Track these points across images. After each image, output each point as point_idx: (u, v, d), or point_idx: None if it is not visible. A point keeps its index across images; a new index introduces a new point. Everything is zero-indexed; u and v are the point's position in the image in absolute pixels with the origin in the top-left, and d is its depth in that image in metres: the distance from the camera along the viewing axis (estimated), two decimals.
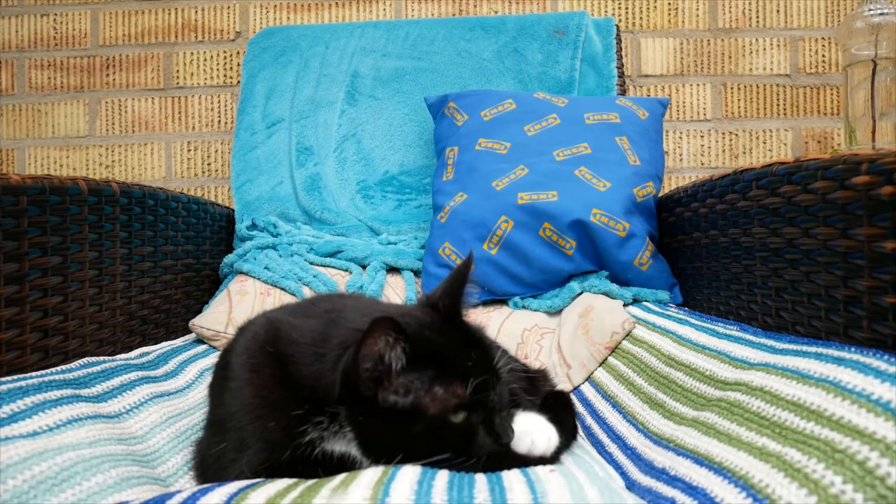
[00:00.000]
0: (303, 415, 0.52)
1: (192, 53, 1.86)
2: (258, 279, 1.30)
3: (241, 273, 1.35)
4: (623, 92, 1.65)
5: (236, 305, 1.21)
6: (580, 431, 0.80)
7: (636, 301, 1.19)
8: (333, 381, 0.51)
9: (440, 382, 0.51)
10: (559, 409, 0.73)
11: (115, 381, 0.79)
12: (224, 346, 0.68)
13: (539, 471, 0.51)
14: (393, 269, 1.40)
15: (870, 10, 1.30)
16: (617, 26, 1.70)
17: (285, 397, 0.53)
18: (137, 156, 1.86)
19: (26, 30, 1.86)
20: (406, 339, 0.50)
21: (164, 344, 1.10)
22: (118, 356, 0.91)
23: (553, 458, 0.60)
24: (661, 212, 1.35)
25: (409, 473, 0.48)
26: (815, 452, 0.46)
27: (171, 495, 0.46)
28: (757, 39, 1.81)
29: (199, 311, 1.31)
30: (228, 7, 1.86)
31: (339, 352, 0.52)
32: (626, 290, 1.20)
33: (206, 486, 0.48)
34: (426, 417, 0.51)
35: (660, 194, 1.36)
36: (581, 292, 1.22)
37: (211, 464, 0.58)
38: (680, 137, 1.82)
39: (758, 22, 1.81)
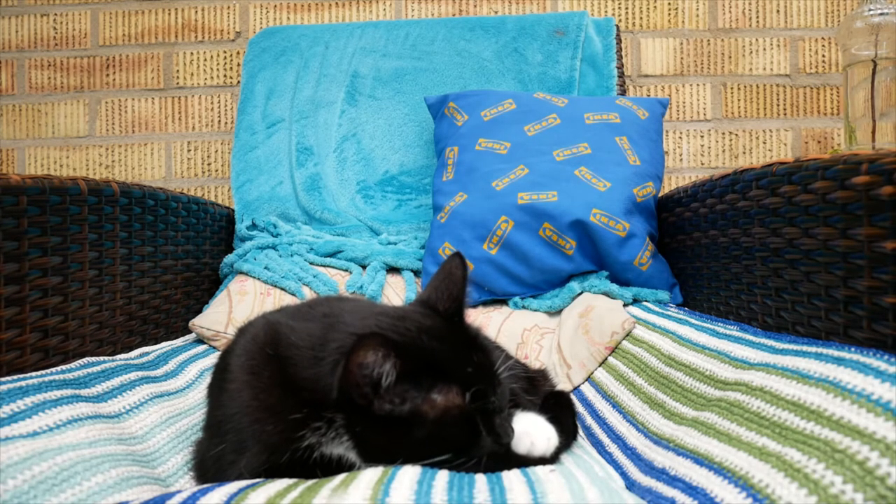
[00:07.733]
0: (301, 419, 0.52)
1: (192, 53, 1.86)
2: (258, 279, 1.30)
3: (241, 273, 1.35)
4: (623, 92, 1.65)
5: (236, 305, 1.21)
6: (580, 431, 0.80)
7: (636, 301, 1.19)
8: (331, 385, 0.51)
9: (439, 389, 0.51)
10: (559, 410, 0.73)
11: (115, 381, 0.79)
12: (223, 347, 0.68)
13: (539, 471, 0.51)
14: (393, 269, 1.40)
15: (870, 10, 1.30)
16: (617, 26, 1.70)
17: (284, 400, 0.53)
18: (137, 156, 1.86)
19: (26, 30, 1.86)
20: (397, 352, 0.49)
21: (164, 344, 1.10)
22: (118, 356, 0.91)
23: (553, 459, 0.60)
24: (661, 212, 1.35)
25: (409, 473, 0.48)
26: (815, 452, 0.46)
27: (171, 495, 0.46)
28: (757, 39, 1.81)
29: (199, 311, 1.31)
30: (228, 7, 1.86)
31: (336, 356, 0.52)
32: (626, 290, 1.20)
33: (206, 486, 0.48)
34: (425, 423, 0.51)
35: (660, 194, 1.36)
36: (581, 292, 1.22)
37: (210, 465, 0.58)
38: (680, 137, 1.82)
39: (758, 22, 1.81)
